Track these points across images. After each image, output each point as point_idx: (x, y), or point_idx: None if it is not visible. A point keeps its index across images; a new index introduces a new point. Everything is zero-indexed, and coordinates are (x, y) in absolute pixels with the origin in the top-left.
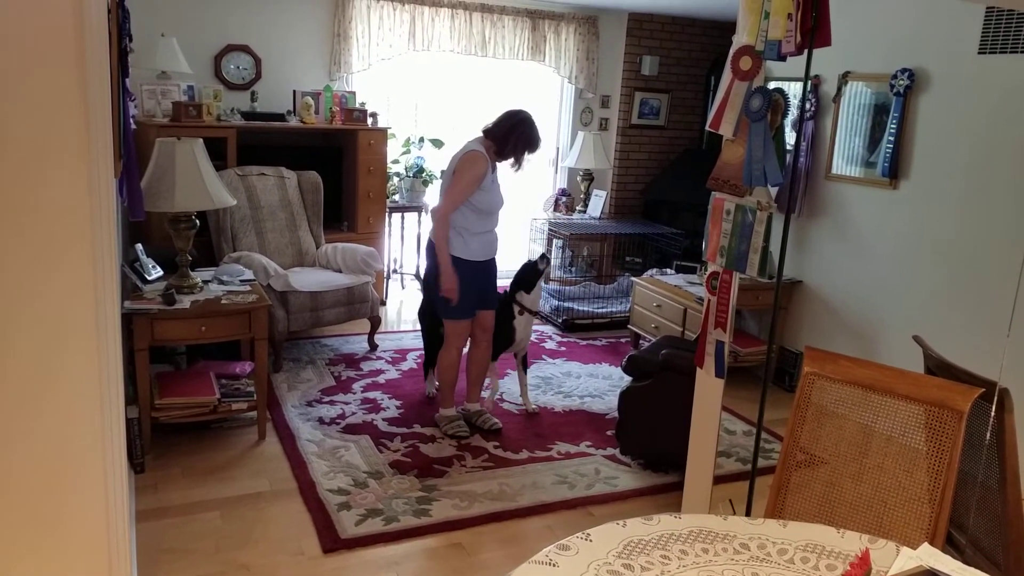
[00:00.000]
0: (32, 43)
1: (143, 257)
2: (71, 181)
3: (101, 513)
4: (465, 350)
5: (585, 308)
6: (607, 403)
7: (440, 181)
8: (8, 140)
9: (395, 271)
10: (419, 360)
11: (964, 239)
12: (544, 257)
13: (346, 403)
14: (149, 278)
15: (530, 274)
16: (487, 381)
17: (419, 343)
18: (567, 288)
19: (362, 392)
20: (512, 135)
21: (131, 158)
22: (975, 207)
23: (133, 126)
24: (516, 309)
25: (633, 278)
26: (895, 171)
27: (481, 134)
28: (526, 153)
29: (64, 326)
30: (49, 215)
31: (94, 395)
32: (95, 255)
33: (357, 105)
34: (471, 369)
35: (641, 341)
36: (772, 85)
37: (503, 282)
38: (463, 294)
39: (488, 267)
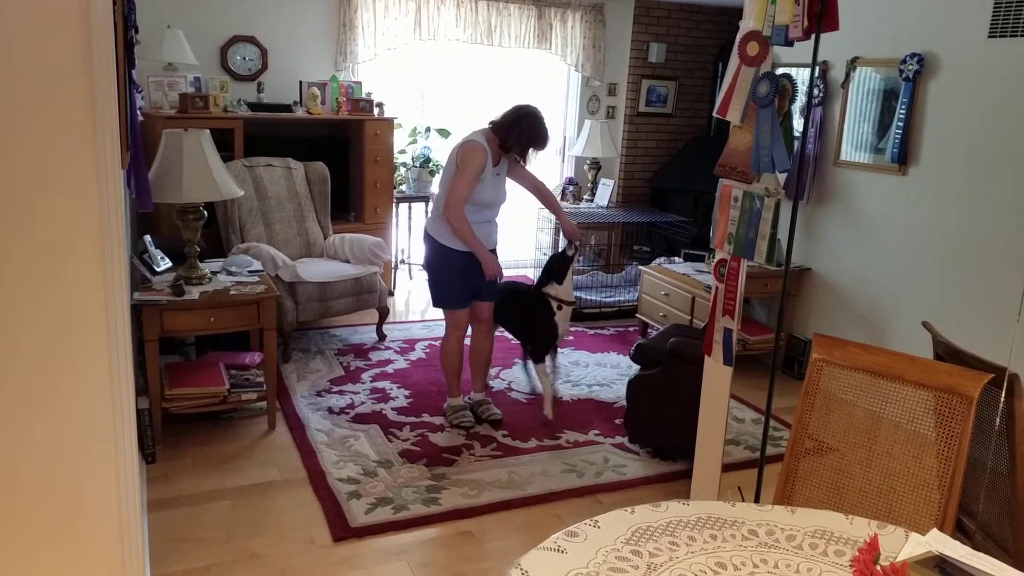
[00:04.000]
0: (39, 36)
1: (152, 248)
2: (79, 173)
3: (113, 503)
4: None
5: (593, 297)
6: (615, 392)
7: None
8: (16, 133)
9: (403, 261)
10: (427, 350)
11: (973, 224)
12: (572, 244)
13: (355, 393)
14: (158, 269)
15: (559, 264)
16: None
17: (427, 333)
18: (575, 277)
19: (371, 382)
20: (516, 128)
21: (138, 150)
22: (985, 192)
23: (140, 118)
24: (554, 304)
25: (641, 267)
26: (904, 157)
27: (488, 126)
28: (531, 148)
29: (74, 318)
30: (57, 207)
31: (105, 386)
32: (104, 247)
33: (363, 95)
34: (473, 360)
35: (649, 330)
36: (780, 71)
37: (518, 271)
38: (453, 283)
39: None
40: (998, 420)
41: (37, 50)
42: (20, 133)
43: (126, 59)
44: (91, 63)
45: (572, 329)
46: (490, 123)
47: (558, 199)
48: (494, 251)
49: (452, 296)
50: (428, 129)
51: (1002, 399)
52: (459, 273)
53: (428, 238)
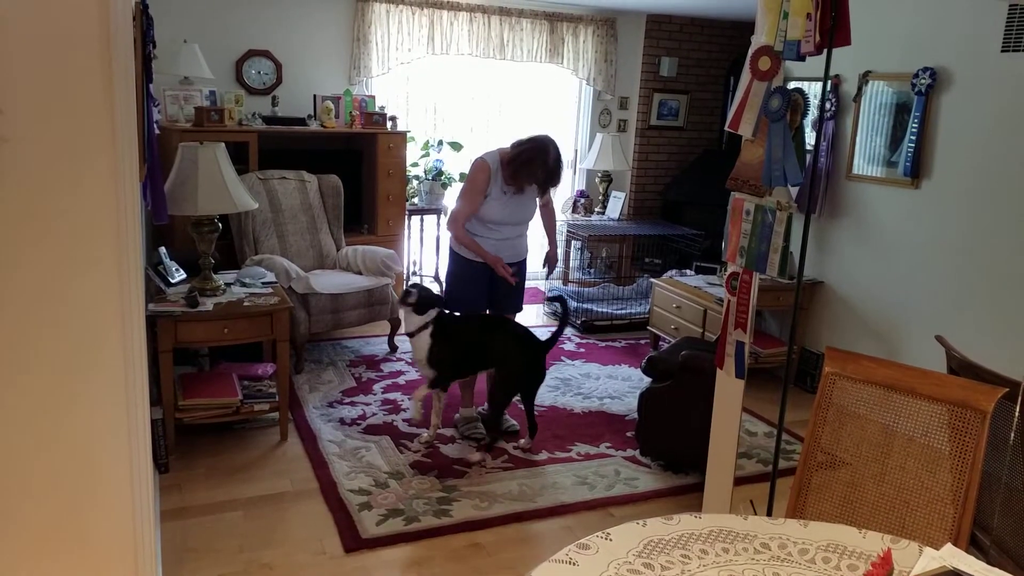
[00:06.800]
0: (60, 51)
1: (166, 260)
2: (97, 185)
3: (127, 513)
4: None
5: (604, 309)
6: (627, 404)
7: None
8: (37, 146)
9: (415, 273)
10: None
11: (987, 238)
12: (407, 291)
13: (367, 404)
14: (172, 281)
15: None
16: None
17: None
18: (586, 289)
19: (382, 393)
20: (519, 154)
21: (155, 162)
22: (998, 206)
23: (157, 131)
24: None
25: (652, 279)
26: (917, 171)
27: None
28: (525, 177)
29: (90, 328)
30: (75, 219)
31: (120, 397)
32: (121, 258)
33: (376, 109)
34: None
35: (660, 342)
36: (791, 85)
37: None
38: (465, 291)
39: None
40: (1012, 434)
41: (58, 65)
42: (41, 146)
43: (144, 73)
44: (111, 78)
45: (583, 341)
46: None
47: (572, 213)
48: (518, 264)
49: (463, 302)
50: (440, 142)
51: (1016, 413)
52: (471, 282)
53: (449, 247)
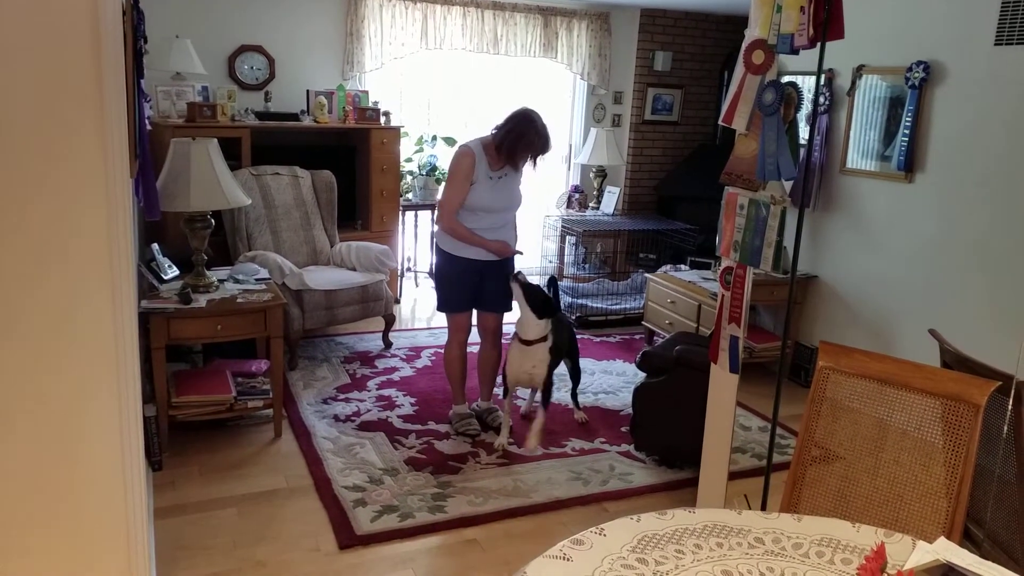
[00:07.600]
0: (49, 46)
1: (159, 257)
2: (88, 181)
3: (120, 510)
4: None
5: (599, 304)
6: (621, 399)
7: None
8: (26, 141)
9: (409, 269)
10: (433, 358)
11: (980, 232)
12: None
13: (361, 400)
14: (165, 277)
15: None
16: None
17: (432, 341)
18: (580, 285)
19: (377, 389)
20: (508, 132)
21: (146, 158)
22: (991, 200)
23: (148, 127)
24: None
25: (647, 274)
26: (911, 165)
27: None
28: (523, 152)
29: (82, 325)
30: (66, 215)
31: (112, 394)
32: (112, 255)
33: (370, 104)
34: (480, 368)
35: (655, 337)
36: (785, 79)
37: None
38: (451, 287)
39: (483, 268)
40: (1005, 428)
41: (47, 60)
42: (30, 141)
43: (135, 69)
44: (101, 73)
45: (578, 336)
46: (492, 128)
47: (567, 208)
48: (497, 263)
49: (449, 300)
50: (434, 137)
51: (1009, 407)
52: (457, 278)
53: (435, 244)
